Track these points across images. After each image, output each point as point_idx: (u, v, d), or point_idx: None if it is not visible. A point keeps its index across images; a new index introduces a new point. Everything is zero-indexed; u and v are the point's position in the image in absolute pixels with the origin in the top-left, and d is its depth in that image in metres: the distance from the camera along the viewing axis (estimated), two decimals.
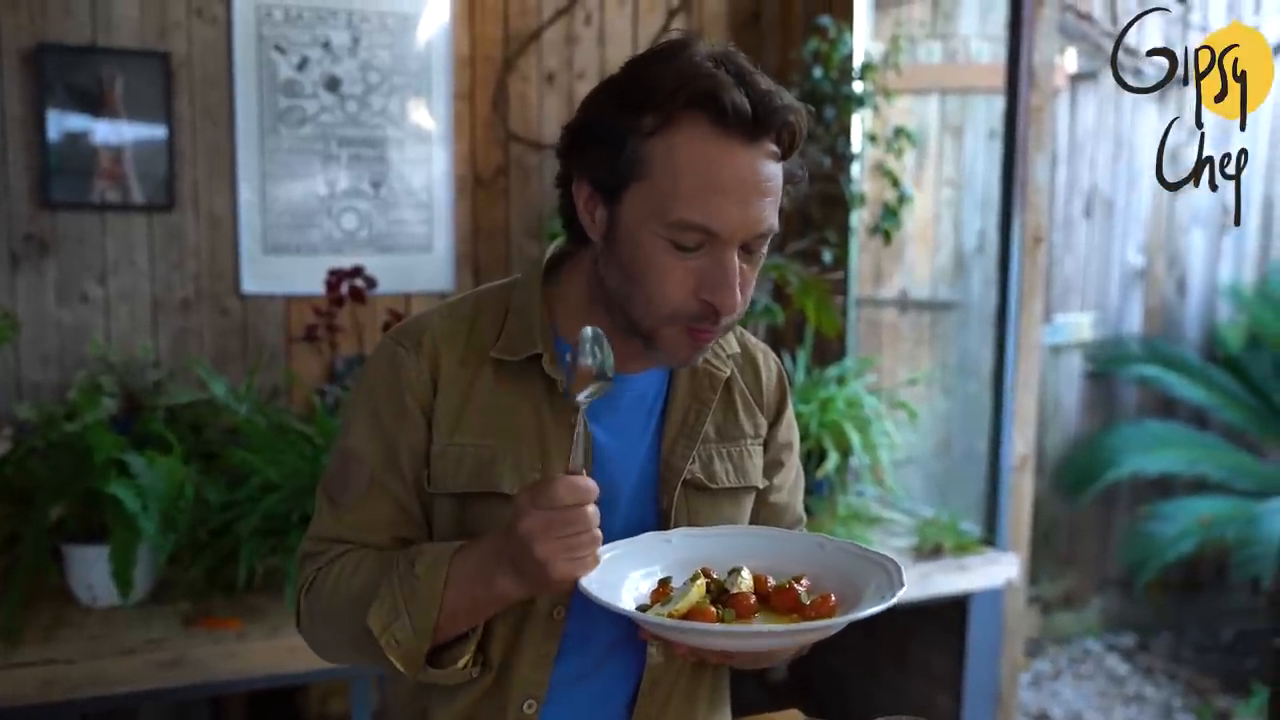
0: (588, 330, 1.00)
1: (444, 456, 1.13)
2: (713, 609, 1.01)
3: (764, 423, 1.26)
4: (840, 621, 0.98)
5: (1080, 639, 4.42)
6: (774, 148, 1.05)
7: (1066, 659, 4.24)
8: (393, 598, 1.05)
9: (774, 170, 1.05)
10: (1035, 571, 4.31)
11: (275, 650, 2.07)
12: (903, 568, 1.04)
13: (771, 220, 1.06)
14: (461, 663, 1.09)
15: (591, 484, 0.97)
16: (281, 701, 2.89)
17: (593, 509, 0.98)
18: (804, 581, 1.06)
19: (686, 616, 1.00)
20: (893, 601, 0.99)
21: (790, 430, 1.30)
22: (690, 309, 1.06)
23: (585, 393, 1.01)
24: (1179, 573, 4.54)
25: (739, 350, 1.27)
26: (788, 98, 1.05)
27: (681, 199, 1.02)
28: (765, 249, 1.09)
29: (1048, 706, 3.82)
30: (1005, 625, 2.85)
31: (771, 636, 1.00)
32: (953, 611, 2.81)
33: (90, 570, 2.16)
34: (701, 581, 1.03)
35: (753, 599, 1.03)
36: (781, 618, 1.03)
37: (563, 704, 1.16)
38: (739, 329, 1.30)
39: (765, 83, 1.04)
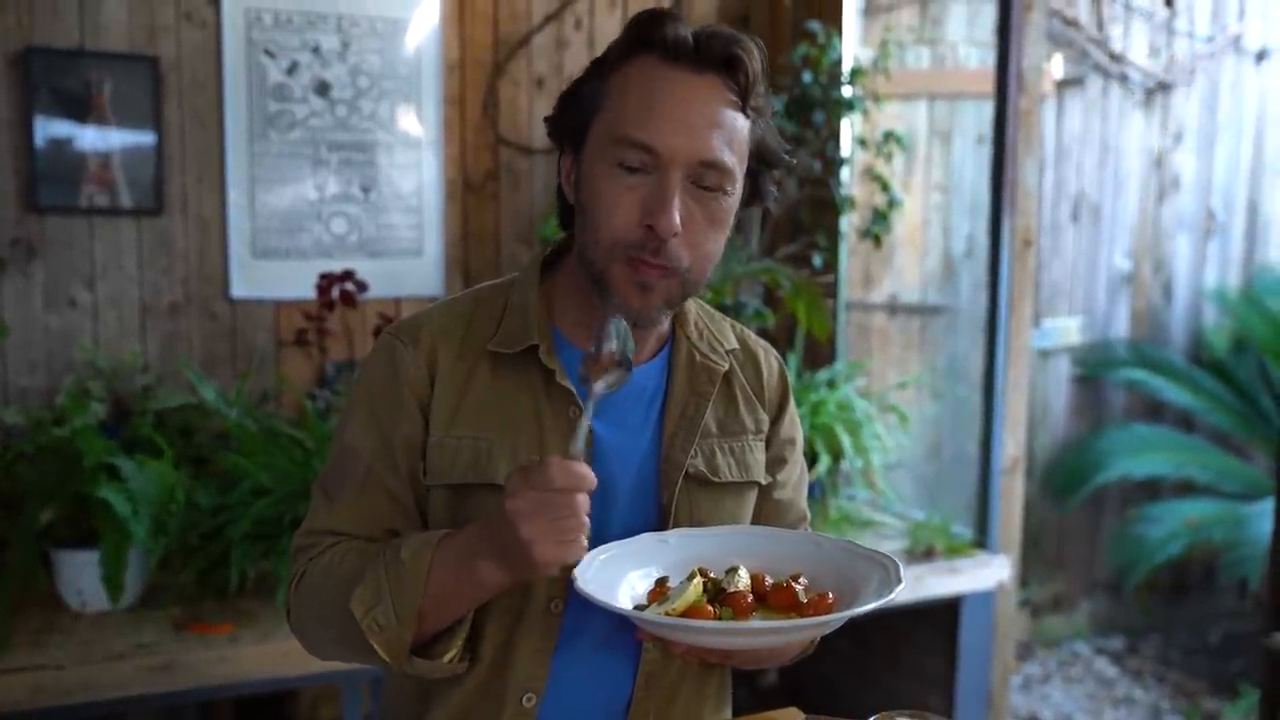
0: (614, 319, 1.02)
1: (440, 448, 1.13)
2: (710, 608, 1.00)
3: (765, 419, 1.26)
4: (838, 617, 0.97)
5: (1069, 642, 4.43)
6: (729, 94, 1.07)
7: (1056, 662, 4.25)
8: (376, 582, 1.04)
9: (726, 110, 1.07)
10: (1024, 575, 4.33)
11: (267, 655, 2.06)
12: (900, 565, 1.04)
13: (720, 153, 1.06)
14: (448, 656, 1.08)
15: (587, 471, 0.96)
16: (271, 707, 2.87)
17: (584, 497, 0.97)
18: (802, 580, 1.06)
19: (684, 615, 0.99)
20: (890, 598, 0.98)
21: (793, 427, 1.30)
22: (632, 237, 1.06)
23: (605, 382, 1.00)
24: (1167, 576, 4.56)
25: (739, 346, 1.27)
26: (738, 37, 1.08)
27: (627, 117, 1.06)
28: (723, 198, 1.09)
29: (1038, 709, 3.83)
30: (996, 627, 2.86)
31: (767, 633, 0.99)
32: (944, 614, 2.82)
33: (80, 575, 2.15)
34: (698, 580, 1.03)
35: (750, 598, 1.02)
36: (779, 616, 1.02)
37: (561, 698, 1.16)
38: (739, 326, 1.30)
39: (729, 30, 1.09)
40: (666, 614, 0.99)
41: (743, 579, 1.04)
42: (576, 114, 1.11)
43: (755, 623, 0.99)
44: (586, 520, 0.97)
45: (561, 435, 1.13)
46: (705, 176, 1.06)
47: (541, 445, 1.13)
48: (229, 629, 2.11)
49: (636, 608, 1.03)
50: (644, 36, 1.07)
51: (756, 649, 1.11)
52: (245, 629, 2.12)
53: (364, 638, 1.04)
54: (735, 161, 1.08)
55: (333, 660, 1.17)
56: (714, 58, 1.06)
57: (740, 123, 1.08)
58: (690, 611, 0.99)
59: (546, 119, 1.16)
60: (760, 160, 1.13)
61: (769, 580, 1.06)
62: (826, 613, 1.00)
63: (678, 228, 1.04)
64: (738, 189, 1.10)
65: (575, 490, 0.95)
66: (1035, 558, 4.41)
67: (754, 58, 1.07)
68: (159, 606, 2.22)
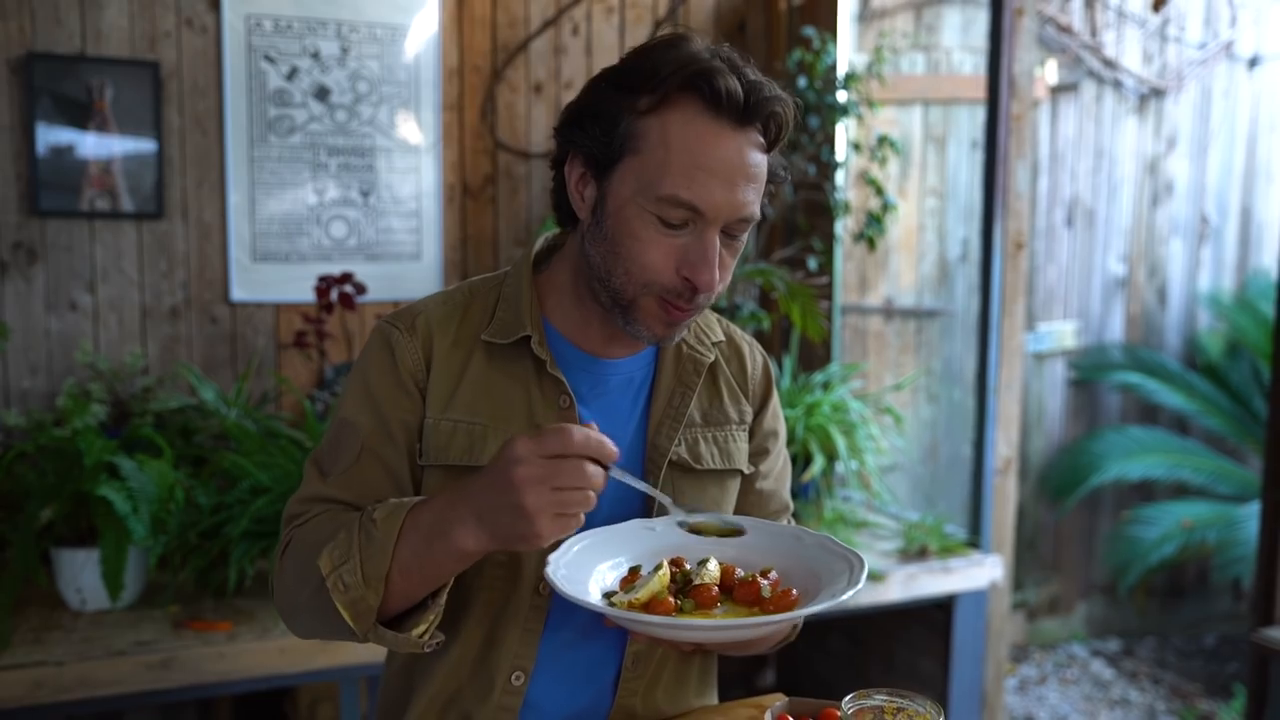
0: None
1: (436, 430, 1.15)
2: (671, 600, 1.02)
3: (749, 410, 1.29)
4: (782, 618, 0.98)
5: (1066, 645, 4.45)
6: (760, 138, 1.09)
7: (1052, 664, 4.27)
8: (348, 540, 1.03)
9: (760, 159, 1.09)
10: (1021, 578, 4.34)
11: (265, 652, 2.08)
12: (866, 565, 1.05)
13: (754, 208, 1.10)
14: (418, 630, 1.04)
15: (610, 443, 0.95)
16: (270, 708, 2.89)
17: (599, 470, 0.94)
18: (770, 575, 1.07)
19: (646, 605, 1.00)
20: (843, 599, 0.99)
21: (776, 419, 1.33)
22: (669, 283, 1.09)
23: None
24: (1163, 579, 4.58)
25: (724, 339, 1.30)
26: (777, 89, 1.09)
27: (671, 174, 1.05)
28: (745, 237, 1.13)
29: (1034, 711, 3.85)
30: (990, 626, 2.87)
31: (703, 630, 0.99)
32: (938, 614, 2.83)
33: (79, 574, 2.17)
34: (665, 571, 1.04)
35: (715, 590, 1.04)
36: (743, 609, 1.04)
37: (550, 677, 1.19)
38: (725, 321, 1.33)
39: (755, 75, 1.09)
40: (630, 604, 1.00)
41: (711, 571, 1.06)
42: (602, 138, 1.09)
43: (691, 620, 1.00)
44: (593, 496, 0.94)
45: (550, 421, 1.16)
46: (735, 227, 1.10)
47: (531, 430, 1.15)
48: (227, 627, 2.13)
49: (607, 594, 1.05)
50: (693, 82, 1.05)
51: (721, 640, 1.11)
52: (243, 627, 2.14)
53: (332, 611, 1.02)
54: (759, 205, 1.11)
55: (311, 636, 1.15)
56: (758, 114, 1.07)
57: (764, 164, 1.11)
58: (652, 602, 1.00)
59: (557, 129, 1.16)
60: (766, 182, 1.15)
61: (740, 573, 1.08)
62: (789, 609, 1.02)
63: (717, 281, 1.08)
64: None
65: (591, 459, 0.94)
66: (1031, 560, 4.43)
67: (789, 112, 1.10)
68: (158, 605, 2.23)
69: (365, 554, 1.01)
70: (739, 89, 1.05)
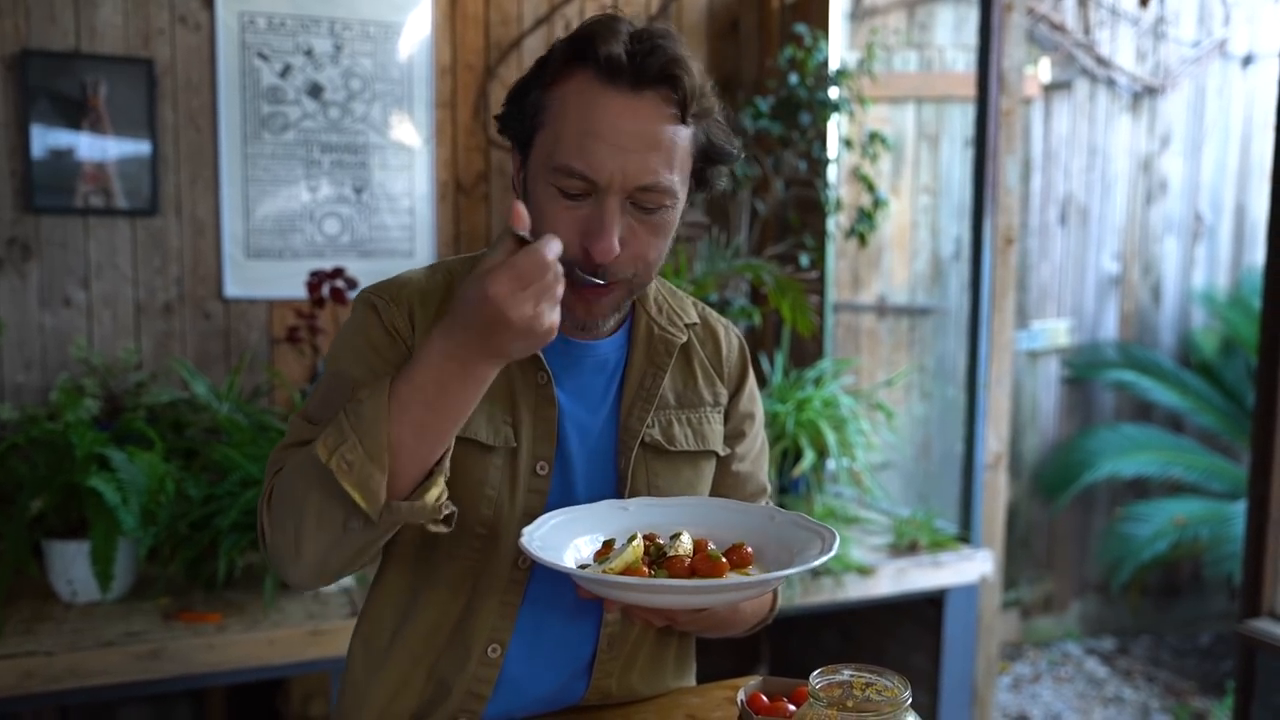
0: None
1: None
2: (645, 569, 1.02)
3: (724, 392, 1.29)
4: (760, 579, 0.99)
5: (1060, 643, 4.45)
6: (670, 108, 1.07)
7: (1046, 662, 4.27)
8: (339, 426, 0.99)
9: (665, 127, 1.06)
10: (1015, 576, 4.35)
11: (254, 643, 2.09)
12: (837, 538, 1.05)
13: (660, 175, 1.06)
14: (431, 495, 1.01)
15: (553, 245, 0.94)
16: (262, 702, 2.90)
17: (554, 262, 0.94)
18: (747, 549, 1.08)
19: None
20: (812, 565, 1.00)
21: (752, 402, 1.33)
22: (574, 257, 1.07)
23: None
24: (1157, 577, 4.59)
25: (698, 322, 1.30)
26: (676, 52, 1.06)
27: (563, 144, 1.06)
28: (666, 212, 1.09)
29: (1027, 708, 3.85)
30: (981, 621, 2.88)
31: (681, 593, 0.99)
32: (930, 609, 2.84)
33: (70, 566, 2.18)
34: (638, 543, 1.04)
35: (688, 562, 1.04)
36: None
37: (526, 654, 1.20)
38: (701, 304, 1.33)
39: (660, 43, 1.06)
40: (603, 573, 1.00)
41: (684, 544, 1.06)
42: (521, 119, 1.11)
43: (666, 580, 0.99)
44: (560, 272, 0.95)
45: (529, 397, 1.17)
46: (645, 198, 1.07)
47: (513, 406, 1.17)
48: (217, 618, 2.14)
49: (581, 566, 1.05)
50: (577, 50, 1.05)
51: (696, 612, 1.10)
52: (233, 618, 2.15)
53: (338, 506, 0.99)
54: (677, 179, 1.09)
55: (315, 571, 1.08)
56: (651, 76, 1.05)
57: (681, 135, 1.08)
58: (626, 572, 1.00)
59: (496, 116, 1.17)
60: (708, 159, 1.13)
61: (712, 546, 1.08)
62: (746, 564, 1.04)
63: (615, 252, 1.06)
64: (680, 200, 1.11)
65: (550, 267, 0.93)
66: (1025, 559, 4.44)
67: (691, 74, 1.07)
68: (148, 596, 2.24)
69: (359, 430, 0.98)
70: (623, 55, 1.04)
